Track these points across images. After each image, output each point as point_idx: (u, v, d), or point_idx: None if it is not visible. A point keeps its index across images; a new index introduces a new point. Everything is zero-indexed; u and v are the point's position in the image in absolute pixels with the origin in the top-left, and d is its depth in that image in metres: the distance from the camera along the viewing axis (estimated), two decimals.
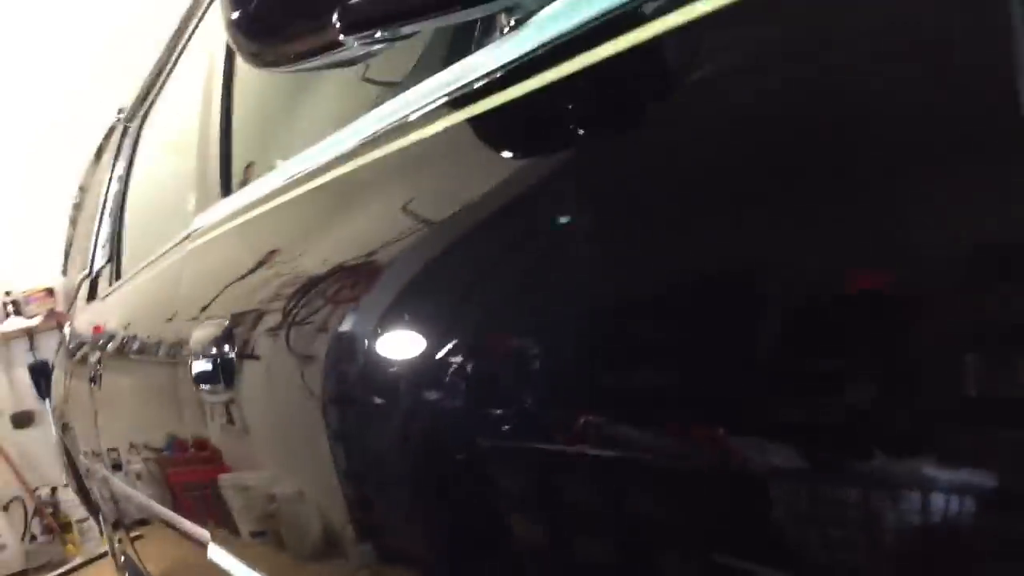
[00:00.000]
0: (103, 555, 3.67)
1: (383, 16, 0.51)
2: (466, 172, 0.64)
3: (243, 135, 1.25)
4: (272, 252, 0.96)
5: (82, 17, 4.24)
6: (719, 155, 0.43)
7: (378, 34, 0.54)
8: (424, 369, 0.59)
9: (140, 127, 2.24)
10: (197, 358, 1.06)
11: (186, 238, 1.31)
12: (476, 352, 0.56)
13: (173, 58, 1.86)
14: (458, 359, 0.57)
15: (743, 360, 0.39)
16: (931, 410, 0.32)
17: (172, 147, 1.79)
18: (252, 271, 0.99)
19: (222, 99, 1.26)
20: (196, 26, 1.63)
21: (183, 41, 1.75)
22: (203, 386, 1.06)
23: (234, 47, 0.66)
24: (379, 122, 0.74)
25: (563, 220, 0.52)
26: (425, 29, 0.56)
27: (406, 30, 0.54)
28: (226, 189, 1.19)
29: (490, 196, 0.59)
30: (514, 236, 0.56)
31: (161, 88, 2.02)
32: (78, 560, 4.33)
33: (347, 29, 0.53)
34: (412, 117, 0.68)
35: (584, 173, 0.51)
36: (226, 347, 0.98)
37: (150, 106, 2.16)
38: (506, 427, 0.53)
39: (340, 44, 0.57)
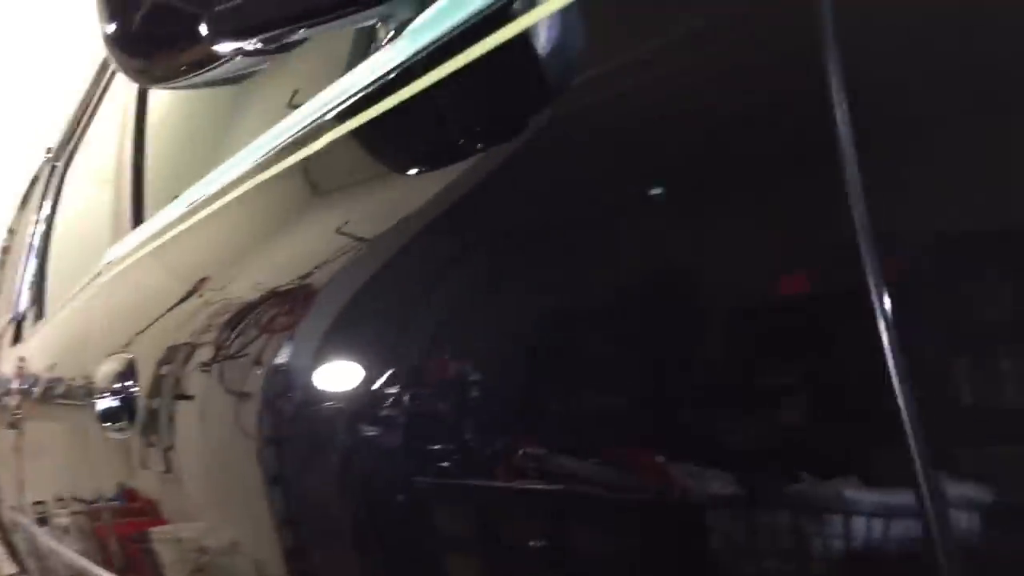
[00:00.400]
0: None
1: (249, 26, 0.50)
2: (369, 184, 0.62)
3: (161, 169, 1.23)
4: (181, 279, 0.93)
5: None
6: (605, 151, 0.42)
7: (252, 45, 0.52)
8: (362, 402, 0.56)
9: (66, 166, 2.19)
10: (105, 399, 1.02)
11: (98, 273, 1.27)
12: (416, 380, 0.54)
13: (97, 95, 1.83)
14: (398, 388, 0.54)
15: (679, 383, 0.38)
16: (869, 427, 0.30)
17: (94, 184, 1.75)
18: (162, 301, 0.95)
19: (135, 127, 1.23)
20: None
21: (106, 78, 1.72)
22: (112, 429, 1.02)
23: (116, 65, 0.64)
24: (274, 140, 0.72)
25: (474, 231, 0.51)
26: (307, 37, 0.55)
27: (286, 39, 0.52)
28: (137, 220, 1.15)
29: (395, 208, 0.57)
30: (435, 250, 0.55)
31: (86, 126, 1.98)
32: None
33: (215, 37, 0.51)
34: (303, 133, 0.66)
35: (483, 176, 0.50)
36: (131, 384, 0.95)
37: (76, 145, 2.11)
38: (452, 462, 0.50)
39: (219, 56, 0.56)
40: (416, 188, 0.56)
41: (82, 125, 2.02)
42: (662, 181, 0.38)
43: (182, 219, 0.92)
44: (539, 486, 0.43)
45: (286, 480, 0.69)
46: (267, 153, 0.73)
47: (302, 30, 0.50)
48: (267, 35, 0.51)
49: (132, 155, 1.22)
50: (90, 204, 1.74)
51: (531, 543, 0.46)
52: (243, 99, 0.98)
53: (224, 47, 0.53)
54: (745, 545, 0.35)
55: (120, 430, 0.98)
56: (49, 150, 2.45)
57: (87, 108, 1.95)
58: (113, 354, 1.04)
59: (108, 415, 1.00)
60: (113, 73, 1.65)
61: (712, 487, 0.35)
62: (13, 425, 1.91)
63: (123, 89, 1.38)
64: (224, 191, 0.81)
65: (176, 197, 0.97)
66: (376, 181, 0.62)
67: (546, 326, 0.45)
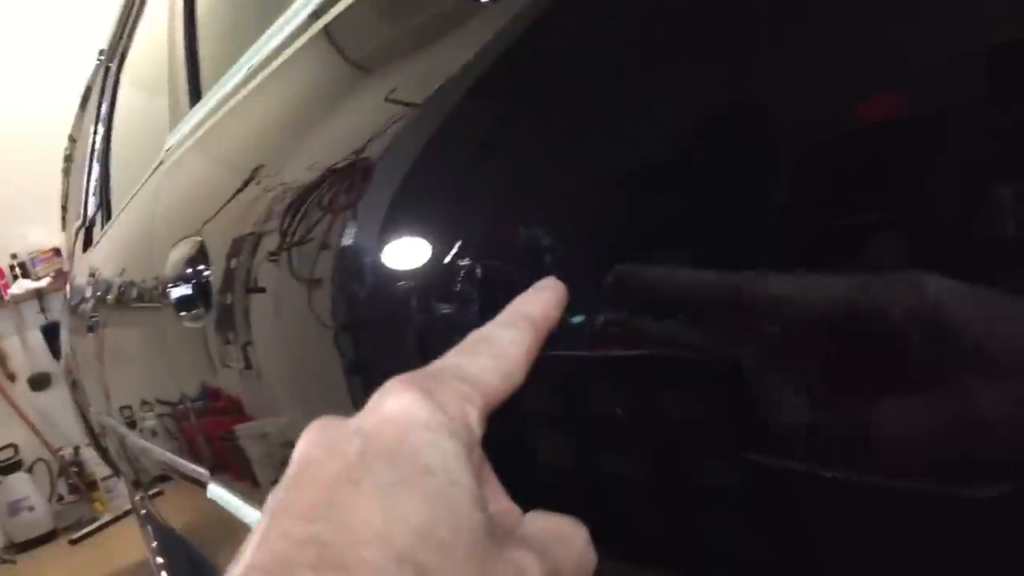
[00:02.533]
0: (131, 511, 3.67)
1: None
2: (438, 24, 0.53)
3: (215, 40, 1.14)
4: (238, 161, 0.85)
5: None
6: None
7: None
8: (433, 278, 0.50)
9: (120, 65, 2.13)
10: (178, 293, 0.96)
11: (160, 162, 1.20)
12: (486, 249, 0.47)
13: None
14: (468, 260, 0.47)
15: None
16: None
17: (149, 76, 1.68)
18: (228, 184, 0.88)
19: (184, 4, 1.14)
20: None
21: None
22: (188, 318, 0.97)
23: None
24: None
25: (539, 77, 0.44)
26: None
27: None
28: (195, 98, 1.07)
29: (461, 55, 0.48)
30: (494, 107, 0.47)
31: (135, 21, 1.90)
32: (107, 517, 4.34)
33: None
34: None
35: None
36: (202, 268, 0.89)
37: (128, 42, 2.04)
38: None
39: None
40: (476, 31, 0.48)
41: (131, 21, 1.95)
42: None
43: (237, 90, 0.84)
44: (622, 352, 0.38)
45: (363, 366, 0.63)
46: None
47: None
48: None
49: (184, 30, 1.14)
50: (146, 97, 1.68)
51: (617, 410, 0.40)
52: None
53: None
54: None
55: (196, 318, 0.93)
56: (101, 52, 2.39)
57: (133, 2, 1.87)
58: (181, 240, 0.98)
59: (182, 303, 0.94)
60: None
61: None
62: (92, 330, 1.91)
63: None
64: (276, 53, 0.72)
65: (231, 67, 0.88)
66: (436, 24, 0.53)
67: (619, 185, 0.38)
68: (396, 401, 0.29)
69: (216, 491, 1.13)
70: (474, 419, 0.30)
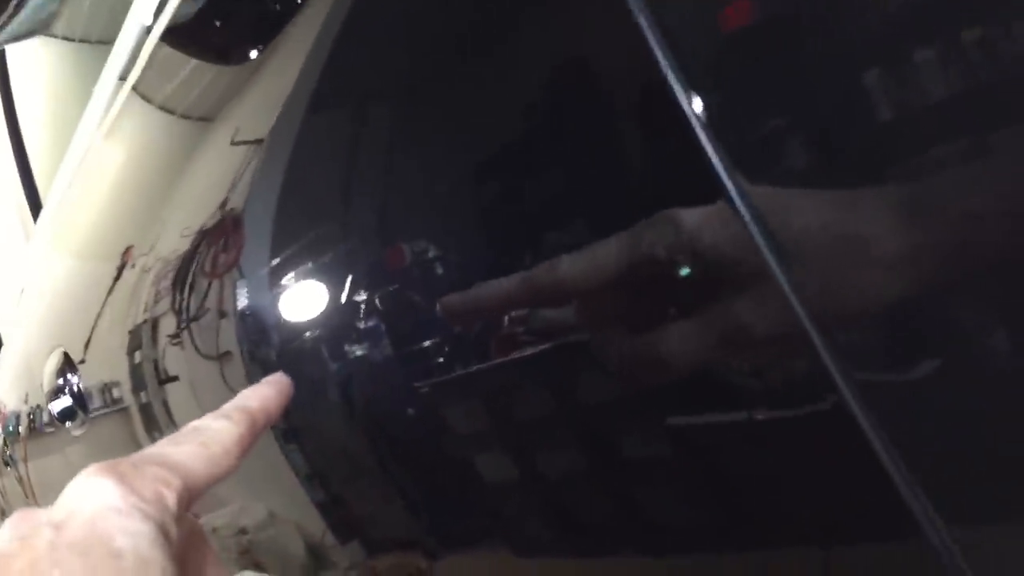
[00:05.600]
0: None
1: None
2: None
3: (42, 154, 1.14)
4: (105, 255, 0.84)
5: None
6: None
7: None
8: (335, 319, 0.51)
9: None
10: (58, 406, 0.97)
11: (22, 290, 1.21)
12: (379, 276, 0.48)
13: None
14: (365, 293, 0.49)
15: None
16: None
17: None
18: (98, 286, 0.88)
19: (8, 127, 1.15)
20: None
21: None
22: (74, 426, 0.97)
23: None
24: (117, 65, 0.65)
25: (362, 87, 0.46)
26: None
27: None
28: (35, 209, 1.08)
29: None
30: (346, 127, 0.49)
31: None
32: None
33: None
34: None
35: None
36: (73, 378, 0.90)
37: None
38: (446, 354, 0.46)
39: None
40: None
41: None
42: None
43: (67, 193, 0.85)
44: (534, 349, 0.40)
45: (296, 429, 0.63)
46: (118, 84, 0.66)
47: None
48: None
49: (12, 146, 1.15)
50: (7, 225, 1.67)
51: (545, 410, 0.42)
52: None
53: None
54: None
55: (81, 424, 0.94)
56: None
57: None
58: (50, 352, 0.99)
59: (64, 415, 0.95)
60: None
61: None
62: (8, 464, 1.87)
63: None
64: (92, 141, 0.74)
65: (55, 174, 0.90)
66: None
67: (486, 172, 0.41)
68: (89, 487, 0.30)
69: None
70: (171, 500, 0.31)
